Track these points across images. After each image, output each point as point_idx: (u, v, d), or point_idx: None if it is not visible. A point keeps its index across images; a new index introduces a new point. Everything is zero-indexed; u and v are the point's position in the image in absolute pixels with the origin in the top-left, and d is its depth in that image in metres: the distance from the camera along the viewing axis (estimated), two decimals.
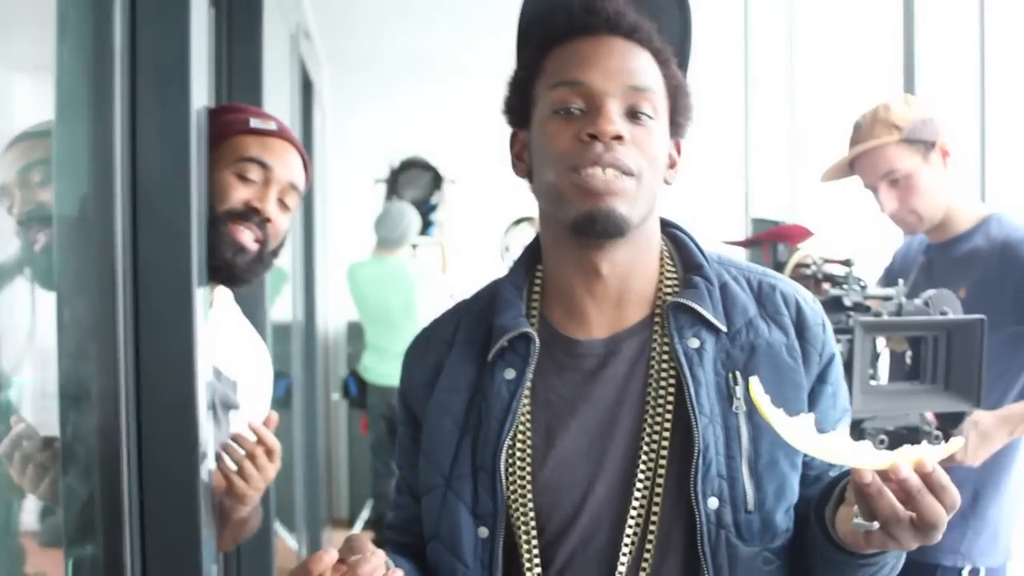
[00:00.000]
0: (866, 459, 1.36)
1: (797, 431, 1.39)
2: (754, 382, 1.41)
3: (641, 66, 1.59)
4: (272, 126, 2.34)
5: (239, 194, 2.24)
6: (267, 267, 2.33)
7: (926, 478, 1.34)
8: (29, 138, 1.82)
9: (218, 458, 2.17)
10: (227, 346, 2.37)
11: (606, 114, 1.54)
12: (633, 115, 1.57)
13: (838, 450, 1.38)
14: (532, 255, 1.76)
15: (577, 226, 1.58)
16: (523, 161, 1.68)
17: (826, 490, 1.54)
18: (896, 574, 1.58)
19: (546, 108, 1.59)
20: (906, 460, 1.35)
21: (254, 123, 2.32)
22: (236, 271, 2.24)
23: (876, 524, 1.36)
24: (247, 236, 2.24)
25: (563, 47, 1.61)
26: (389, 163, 7.43)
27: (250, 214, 2.24)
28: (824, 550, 1.52)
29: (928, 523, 1.34)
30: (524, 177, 1.69)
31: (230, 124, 2.27)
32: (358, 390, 7.00)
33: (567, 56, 1.60)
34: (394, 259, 6.83)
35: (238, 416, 2.37)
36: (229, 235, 2.21)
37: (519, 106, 1.66)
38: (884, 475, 1.34)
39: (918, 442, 2.57)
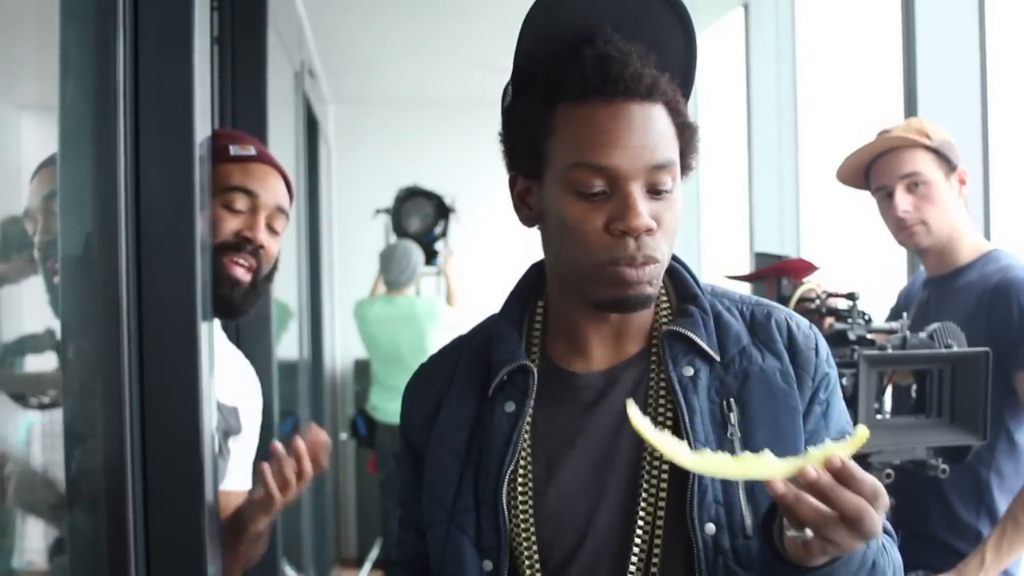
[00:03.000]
0: (773, 469, 1.36)
1: (687, 454, 1.40)
2: (630, 405, 1.41)
3: (660, 136, 1.55)
4: (251, 151, 2.35)
5: (229, 225, 2.27)
6: (261, 295, 2.35)
7: (837, 474, 1.33)
8: (53, 165, 1.83)
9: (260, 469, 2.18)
10: (223, 373, 2.37)
11: (633, 206, 1.51)
12: (654, 191, 1.54)
13: (741, 466, 1.39)
14: (529, 289, 1.76)
15: (603, 306, 1.59)
16: (530, 209, 1.65)
17: (771, 506, 1.51)
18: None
19: (563, 183, 1.55)
20: (813, 462, 1.35)
21: (234, 150, 2.33)
22: (233, 305, 2.26)
23: (809, 532, 1.35)
24: (240, 270, 2.26)
25: (574, 108, 1.55)
26: (397, 193, 7.43)
27: (243, 244, 2.27)
28: (774, 568, 1.49)
29: (854, 518, 1.32)
30: (531, 225, 1.67)
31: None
32: (367, 429, 6.99)
33: (582, 125, 1.54)
34: (403, 299, 6.84)
35: (240, 441, 2.38)
36: (223, 270, 2.23)
37: (526, 160, 1.62)
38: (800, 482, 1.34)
39: (929, 477, 2.58)
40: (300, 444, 2.17)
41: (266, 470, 2.17)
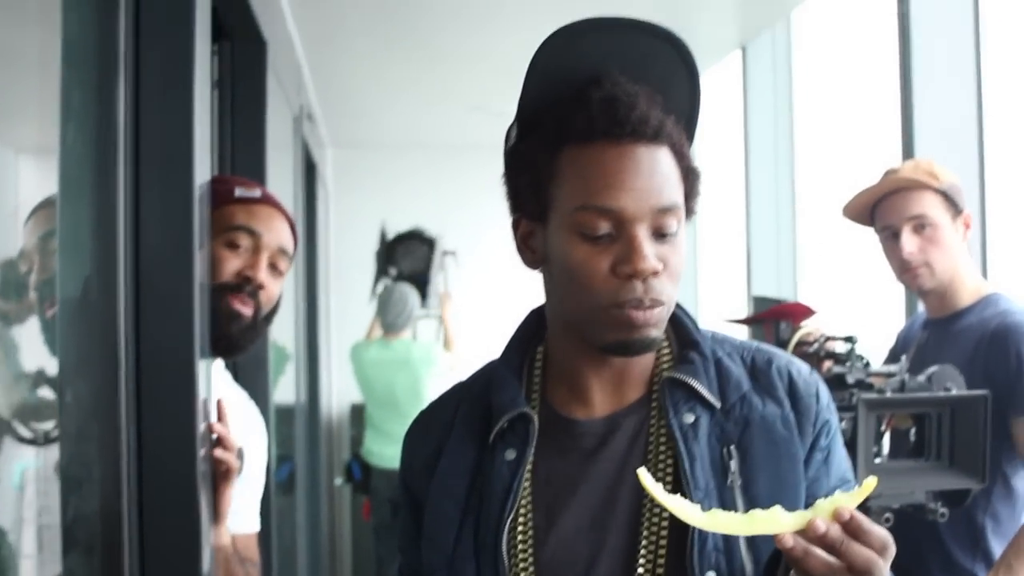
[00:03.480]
0: (782, 524, 1.36)
1: (699, 514, 1.41)
2: (642, 473, 1.42)
3: (665, 178, 1.54)
4: (257, 193, 2.37)
5: (230, 265, 2.27)
6: (260, 334, 2.34)
7: (846, 526, 1.34)
8: (51, 206, 1.83)
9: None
10: (226, 413, 2.36)
11: (639, 249, 1.51)
12: (660, 233, 1.54)
13: (751, 523, 1.39)
14: (529, 336, 1.75)
15: (608, 349, 1.58)
16: (534, 252, 1.64)
17: (774, 553, 1.50)
18: None
19: (569, 225, 1.54)
20: (822, 514, 1.35)
21: (239, 192, 2.34)
22: (233, 340, 2.26)
23: None
24: (240, 305, 2.26)
25: (581, 150, 1.54)
26: (381, 233, 7.44)
27: (243, 284, 2.27)
28: None
29: (863, 570, 1.33)
30: (534, 268, 1.66)
31: (216, 195, 2.27)
32: (362, 474, 6.95)
33: (588, 167, 1.53)
34: (399, 343, 6.83)
35: (244, 481, 2.36)
36: (224, 307, 2.23)
37: (530, 202, 1.61)
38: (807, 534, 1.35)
39: (926, 520, 2.58)
40: (222, 404, 2.21)
41: (217, 452, 2.17)
